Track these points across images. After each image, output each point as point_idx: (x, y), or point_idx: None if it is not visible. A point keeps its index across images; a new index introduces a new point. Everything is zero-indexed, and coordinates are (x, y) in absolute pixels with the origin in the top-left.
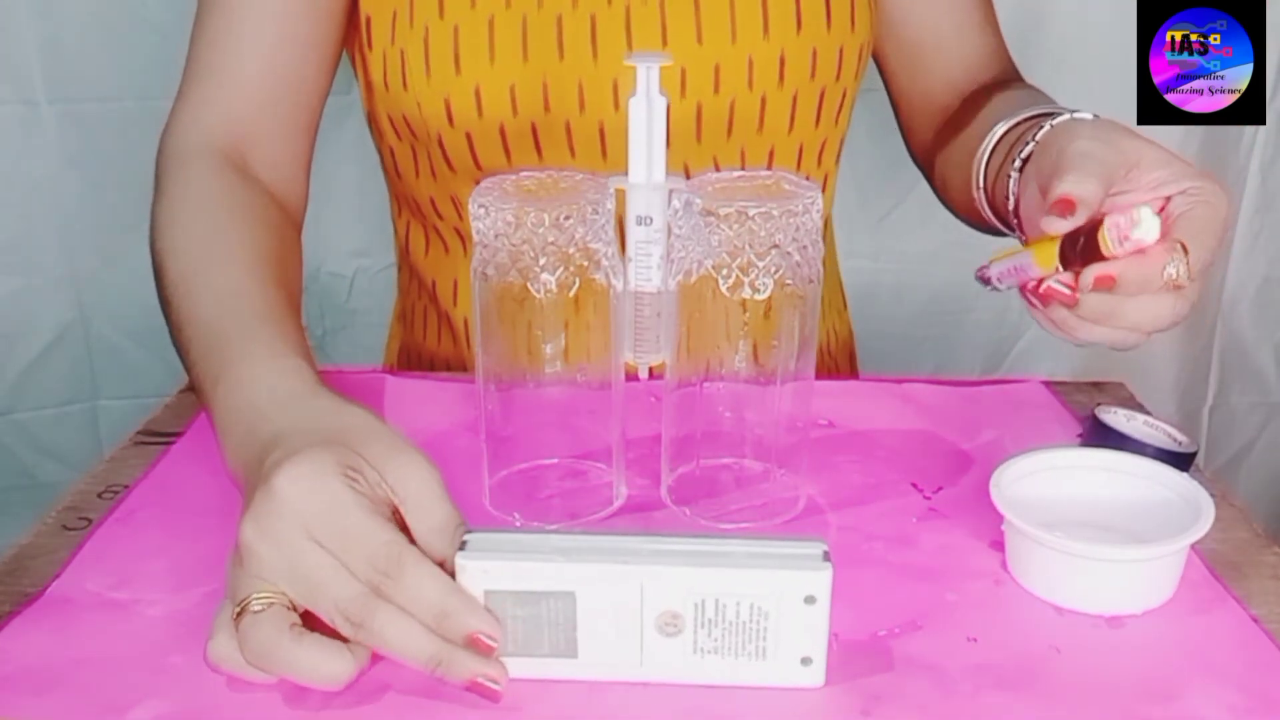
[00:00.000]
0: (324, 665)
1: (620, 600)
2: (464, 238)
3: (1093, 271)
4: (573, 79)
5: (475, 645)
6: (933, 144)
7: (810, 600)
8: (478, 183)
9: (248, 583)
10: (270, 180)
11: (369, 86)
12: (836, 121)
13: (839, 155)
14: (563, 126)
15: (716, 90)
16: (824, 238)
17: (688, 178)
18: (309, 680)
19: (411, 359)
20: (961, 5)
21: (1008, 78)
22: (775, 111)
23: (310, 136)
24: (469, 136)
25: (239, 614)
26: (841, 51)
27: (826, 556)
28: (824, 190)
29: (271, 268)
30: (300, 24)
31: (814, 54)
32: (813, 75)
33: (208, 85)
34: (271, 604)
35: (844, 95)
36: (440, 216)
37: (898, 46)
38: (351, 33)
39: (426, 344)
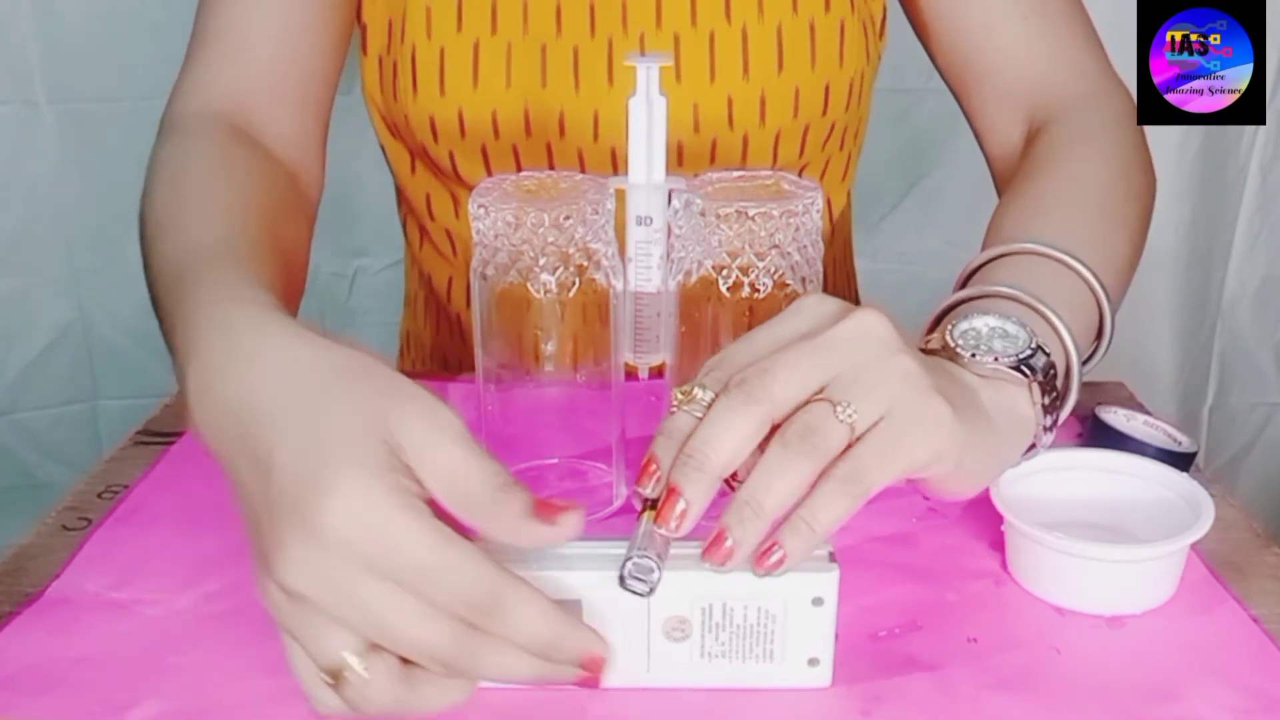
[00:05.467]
0: (446, 699)
1: (627, 607)
2: (454, 239)
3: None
4: (554, 107)
5: (587, 668)
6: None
7: (818, 602)
8: (467, 188)
9: (322, 635)
10: (277, 149)
11: (365, 88)
12: (823, 148)
13: (845, 174)
14: (544, 150)
15: (696, 130)
16: (834, 243)
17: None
18: (433, 715)
19: (414, 346)
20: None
21: (1071, 97)
22: (758, 149)
23: (322, 113)
24: (451, 154)
25: (335, 679)
26: (828, 88)
27: (833, 557)
28: (831, 207)
29: (256, 215)
30: None
31: (796, 93)
32: (795, 114)
33: (213, 51)
34: (368, 664)
35: (833, 128)
36: (432, 217)
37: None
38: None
39: (426, 332)
